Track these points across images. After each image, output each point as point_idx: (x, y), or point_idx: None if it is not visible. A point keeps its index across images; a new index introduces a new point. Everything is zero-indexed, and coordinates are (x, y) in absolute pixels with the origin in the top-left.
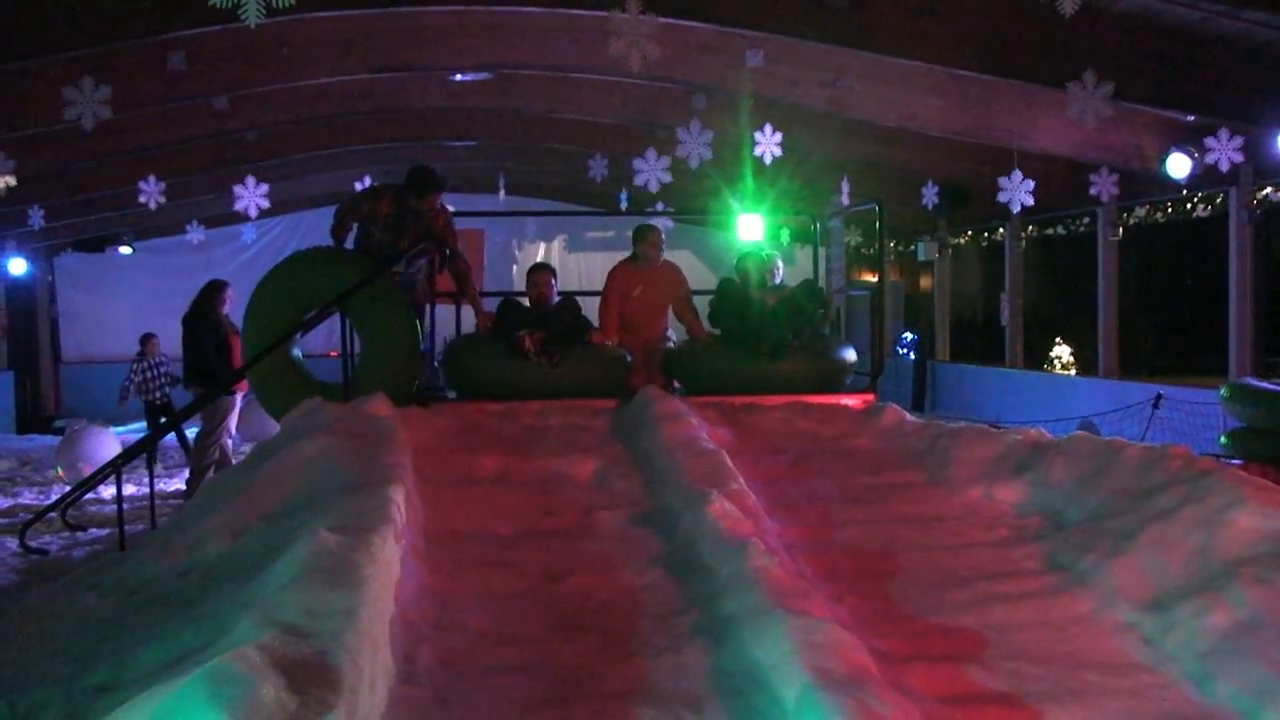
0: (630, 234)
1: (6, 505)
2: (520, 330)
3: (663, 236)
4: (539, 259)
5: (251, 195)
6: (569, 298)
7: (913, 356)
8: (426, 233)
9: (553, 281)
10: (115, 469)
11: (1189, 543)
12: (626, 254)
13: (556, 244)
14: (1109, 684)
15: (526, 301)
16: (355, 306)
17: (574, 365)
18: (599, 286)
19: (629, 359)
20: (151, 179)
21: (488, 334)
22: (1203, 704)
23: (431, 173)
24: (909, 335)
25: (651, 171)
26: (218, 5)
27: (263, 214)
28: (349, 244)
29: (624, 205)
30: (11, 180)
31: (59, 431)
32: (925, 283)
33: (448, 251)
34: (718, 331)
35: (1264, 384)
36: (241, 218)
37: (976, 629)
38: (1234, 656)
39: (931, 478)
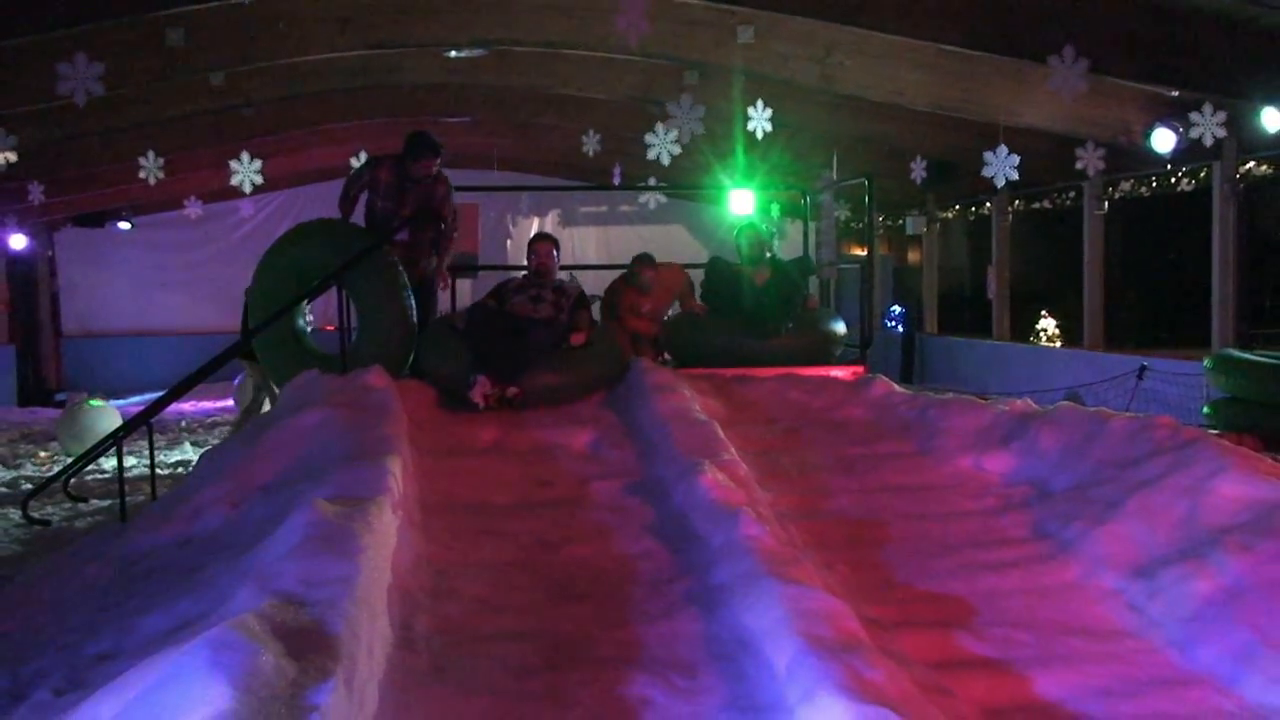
0: (623, 209)
1: (9, 477)
2: (475, 375)
3: (656, 265)
4: (533, 233)
5: (246, 170)
6: (552, 321)
7: (901, 329)
8: (427, 200)
9: (554, 252)
10: (116, 441)
11: (1174, 510)
12: (619, 229)
13: (550, 218)
14: (1095, 649)
15: (525, 274)
16: (351, 280)
17: (558, 369)
18: (593, 260)
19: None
20: (150, 154)
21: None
22: (1187, 668)
23: (424, 136)
24: (897, 308)
25: (660, 144)
26: None
27: (259, 189)
28: (358, 216)
29: (617, 180)
30: (12, 156)
31: (60, 404)
32: (914, 256)
33: (443, 226)
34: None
35: (1246, 355)
36: (238, 193)
37: (965, 596)
38: (1218, 622)
39: (921, 448)
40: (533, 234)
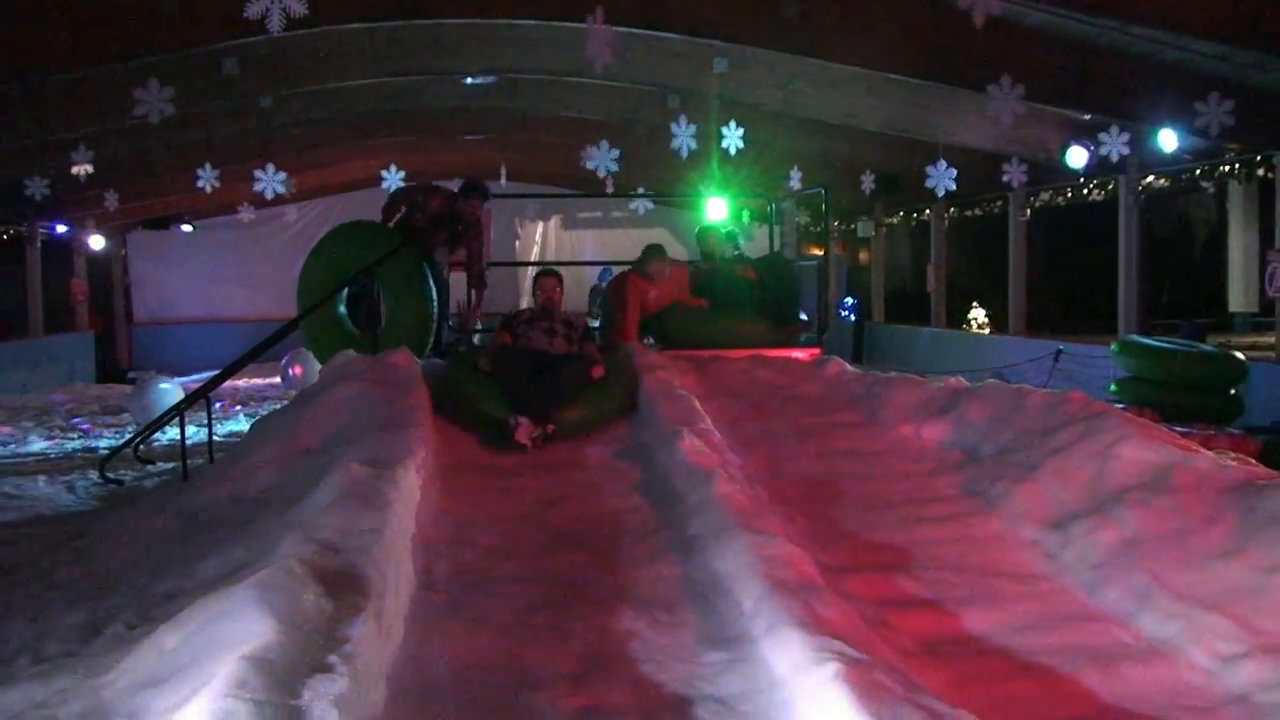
0: (616, 215)
1: (89, 444)
2: (515, 416)
3: (667, 259)
4: (537, 237)
5: (270, 180)
6: (571, 355)
7: (853, 318)
8: (460, 227)
9: (559, 287)
10: (179, 412)
11: (1084, 472)
12: (613, 231)
13: (553, 223)
14: (1015, 590)
15: (531, 308)
16: (382, 273)
17: (582, 403)
18: (590, 257)
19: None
20: (207, 166)
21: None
22: (1093, 606)
23: (480, 184)
24: (850, 300)
25: (602, 159)
26: (251, 17)
27: (302, 196)
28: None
29: (610, 189)
30: (89, 168)
31: (131, 382)
32: (864, 256)
33: (458, 233)
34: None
35: (1147, 340)
36: (285, 200)
37: (904, 545)
38: (1120, 567)
39: (868, 418)
40: (541, 268)
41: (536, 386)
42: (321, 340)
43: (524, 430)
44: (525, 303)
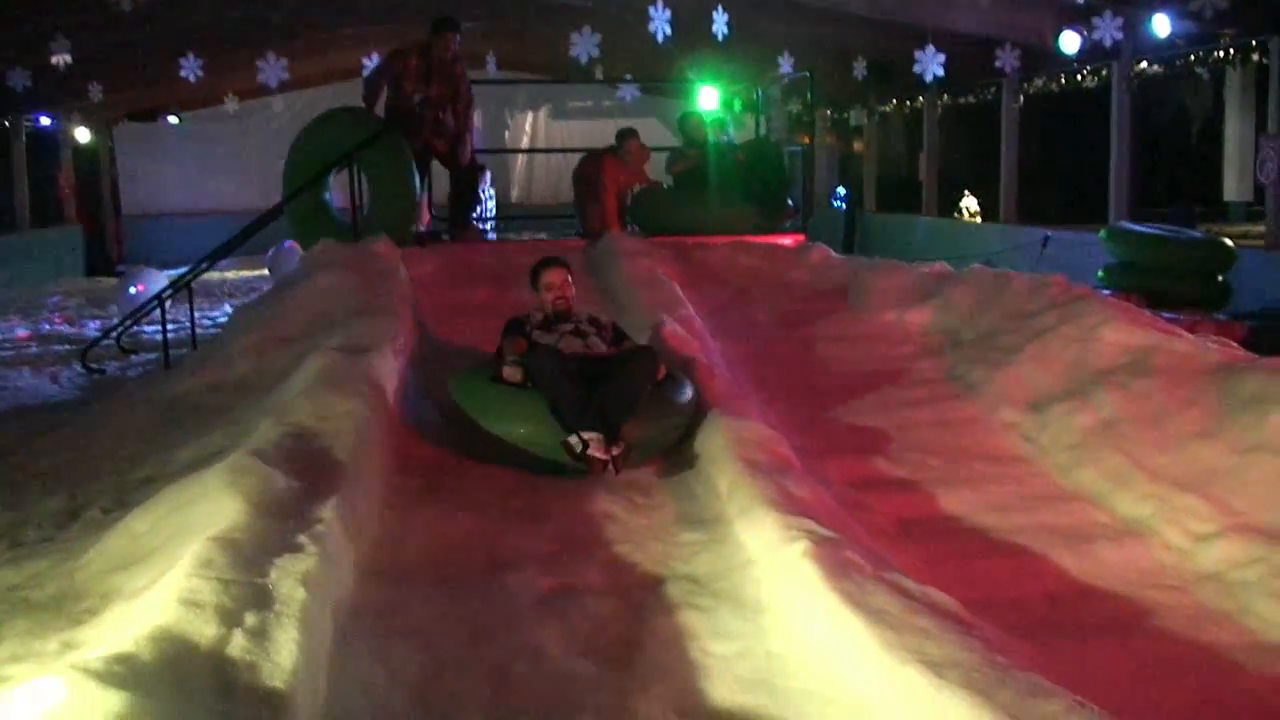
0: (605, 104)
1: (74, 334)
2: (585, 432)
3: (640, 141)
4: (527, 127)
5: (273, 69)
6: (646, 348)
7: (844, 208)
8: (451, 80)
9: (570, 281)
10: (160, 302)
11: (1064, 356)
12: (602, 122)
13: (542, 113)
14: (992, 472)
15: (542, 312)
16: (365, 159)
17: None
18: (580, 144)
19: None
20: (191, 56)
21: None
22: (1068, 487)
23: (444, 16)
24: (842, 190)
25: (585, 45)
26: None
27: (289, 87)
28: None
29: (600, 77)
30: (68, 57)
31: (120, 275)
32: (857, 146)
33: (447, 76)
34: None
35: (1134, 226)
36: (271, 90)
37: (885, 428)
38: (1096, 449)
39: (852, 304)
40: (543, 257)
41: (601, 393)
42: (306, 228)
43: (598, 444)
44: (515, 192)
